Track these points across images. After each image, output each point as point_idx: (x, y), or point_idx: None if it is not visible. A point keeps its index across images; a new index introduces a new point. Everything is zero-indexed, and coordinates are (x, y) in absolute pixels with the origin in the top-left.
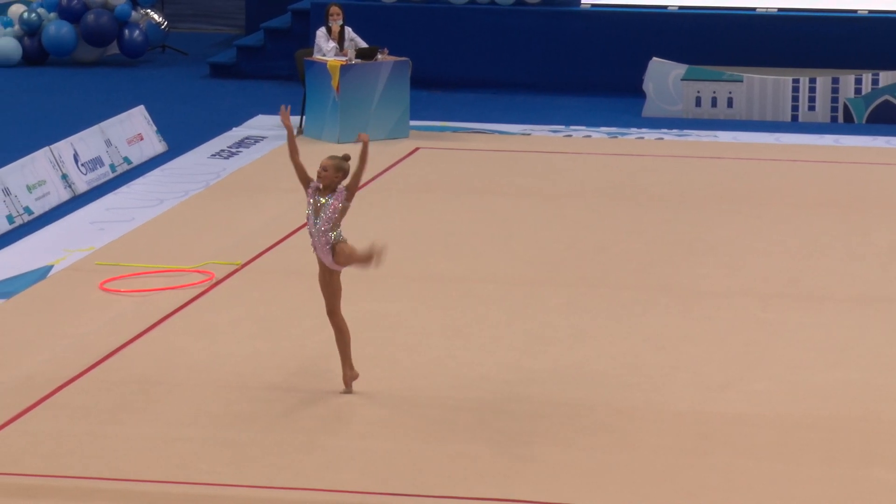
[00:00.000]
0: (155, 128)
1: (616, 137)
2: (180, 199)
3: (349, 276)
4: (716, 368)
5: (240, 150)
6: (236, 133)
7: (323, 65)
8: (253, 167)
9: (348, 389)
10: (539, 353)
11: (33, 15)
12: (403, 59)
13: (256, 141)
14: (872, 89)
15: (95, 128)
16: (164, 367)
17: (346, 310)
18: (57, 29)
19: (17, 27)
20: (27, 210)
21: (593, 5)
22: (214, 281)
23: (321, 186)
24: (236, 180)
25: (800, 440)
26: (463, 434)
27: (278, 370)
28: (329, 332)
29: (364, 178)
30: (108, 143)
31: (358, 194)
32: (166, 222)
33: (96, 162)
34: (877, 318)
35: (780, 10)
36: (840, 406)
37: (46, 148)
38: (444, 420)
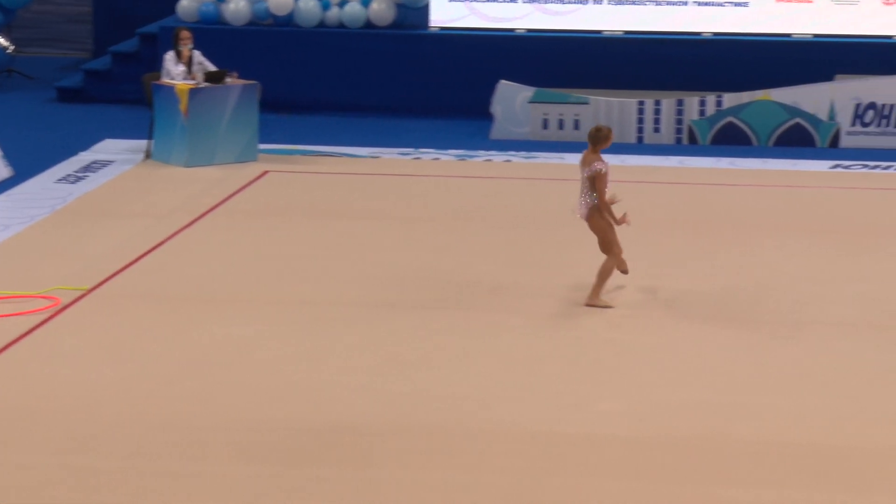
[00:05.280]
0: (0, 153)
1: (464, 160)
2: (26, 225)
3: (197, 301)
4: (566, 388)
5: (87, 174)
6: (83, 157)
7: (171, 88)
8: (100, 192)
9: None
10: (391, 376)
11: None
12: (252, 82)
13: (104, 165)
14: (716, 111)
15: None
16: (9, 394)
17: (196, 334)
18: None
19: None
20: None
21: (442, 28)
22: (60, 306)
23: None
24: (83, 205)
25: (648, 460)
26: (314, 457)
27: (126, 396)
28: (182, 355)
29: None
30: None
31: (206, 218)
32: (11, 248)
33: None
34: (722, 336)
35: (625, 32)
36: (689, 425)
37: None
38: (294, 444)
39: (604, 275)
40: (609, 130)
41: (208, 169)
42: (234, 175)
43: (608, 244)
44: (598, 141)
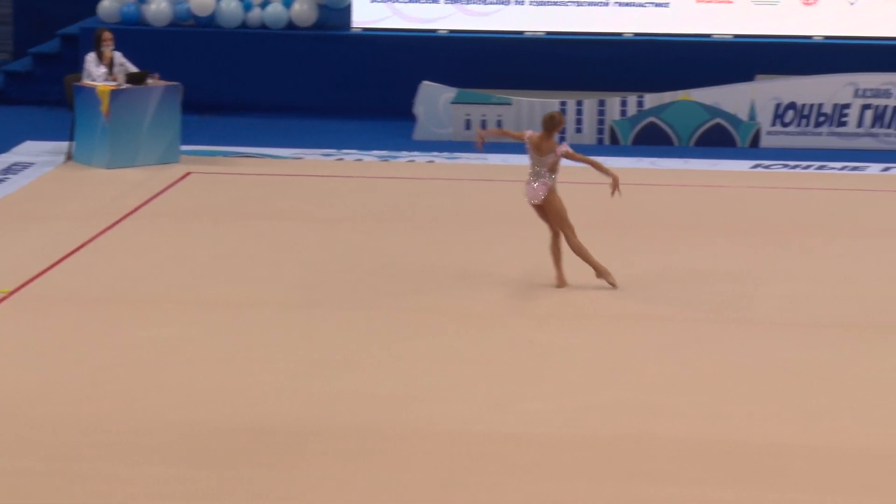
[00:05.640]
0: None
1: (387, 160)
2: None
3: (119, 303)
4: (488, 389)
5: (7, 176)
6: (4, 159)
7: (92, 90)
8: (21, 194)
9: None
10: (313, 377)
11: None
12: (174, 83)
13: (25, 167)
14: (637, 111)
15: None
16: None
17: (119, 336)
18: None
19: None
20: None
21: (364, 29)
22: None
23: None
24: (4, 207)
25: (571, 459)
26: (236, 459)
27: (49, 398)
28: (105, 357)
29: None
30: None
31: (128, 220)
32: None
33: None
34: (644, 335)
35: (547, 33)
36: (610, 424)
37: None
38: (217, 445)
39: (583, 251)
40: (561, 115)
41: (130, 170)
42: (156, 176)
43: (564, 221)
44: (554, 126)
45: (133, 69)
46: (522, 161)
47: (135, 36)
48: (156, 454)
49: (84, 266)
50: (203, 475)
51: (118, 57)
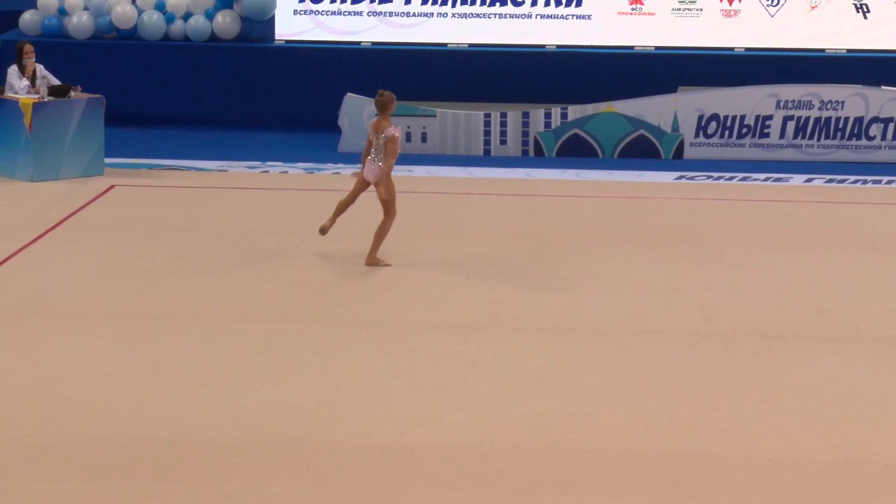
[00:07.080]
0: None
1: (313, 173)
2: None
3: (44, 317)
4: (415, 401)
5: None
6: None
7: (15, 103)
8: None
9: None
10: (240, 390)
11: None
12: (97, 96)
13: None
14: (561, 123)
15: None
16: None
17: (40, 351)
18: None
19: None
20: None
21: (287, 42)
22: None
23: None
24: None
25: (498, 471)
26: (165, 472)
27: None
28: (29, 372)
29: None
30: None
31: (53, 233)
32: None
33: None
34: (569, 347)
35: (470, 45)
36: (538, 436)
37: None
38: (144, 459)
39: (381, 236)
40: (391, 94)
41: (54, 183)
42: (80, 189)
43: (390, 207)
44: (384, 106)
45: (56, 82)
46: (447, 173)
47: (57, 48)
48: (82, 469)
49: (8, 280)
50: (129, 489)
51: (40, 69)
